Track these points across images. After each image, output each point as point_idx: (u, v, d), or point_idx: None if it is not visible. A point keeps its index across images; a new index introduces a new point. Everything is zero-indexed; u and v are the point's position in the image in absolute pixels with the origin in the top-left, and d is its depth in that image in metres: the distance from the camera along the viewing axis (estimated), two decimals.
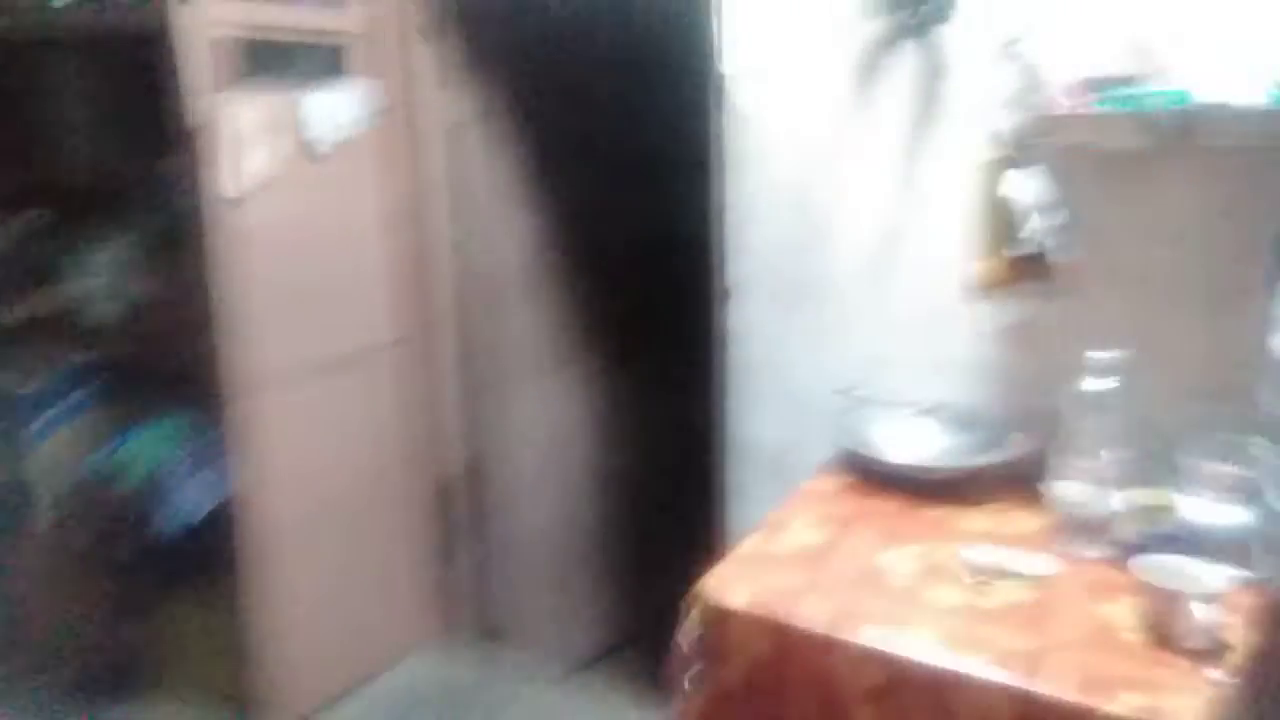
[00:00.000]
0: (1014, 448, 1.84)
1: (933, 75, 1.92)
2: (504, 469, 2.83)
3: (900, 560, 1.64)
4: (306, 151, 2.45)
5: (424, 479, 2.87)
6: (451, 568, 2.92)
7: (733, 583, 1.59)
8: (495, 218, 2.67)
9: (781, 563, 1.65)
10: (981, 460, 1.84)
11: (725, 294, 2.20)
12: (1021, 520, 1.74)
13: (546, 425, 2.77)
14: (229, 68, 2.25)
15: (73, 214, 2.40)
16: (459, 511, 2.89)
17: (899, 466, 1.86)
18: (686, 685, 1.59)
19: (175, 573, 2.57)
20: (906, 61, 1.94)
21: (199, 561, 2.51)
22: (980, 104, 1.83)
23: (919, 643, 1.40)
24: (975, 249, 1.84)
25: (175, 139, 2.20)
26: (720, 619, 1.55)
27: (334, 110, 2.49)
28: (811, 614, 1.48)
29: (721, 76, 2.12)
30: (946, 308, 1.98)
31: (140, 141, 2.26)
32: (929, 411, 1.98)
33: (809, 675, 1.47)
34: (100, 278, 2.36)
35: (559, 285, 2.68)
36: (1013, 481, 1.79)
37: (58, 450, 2.52)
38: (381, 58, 2.60)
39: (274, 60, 2.37)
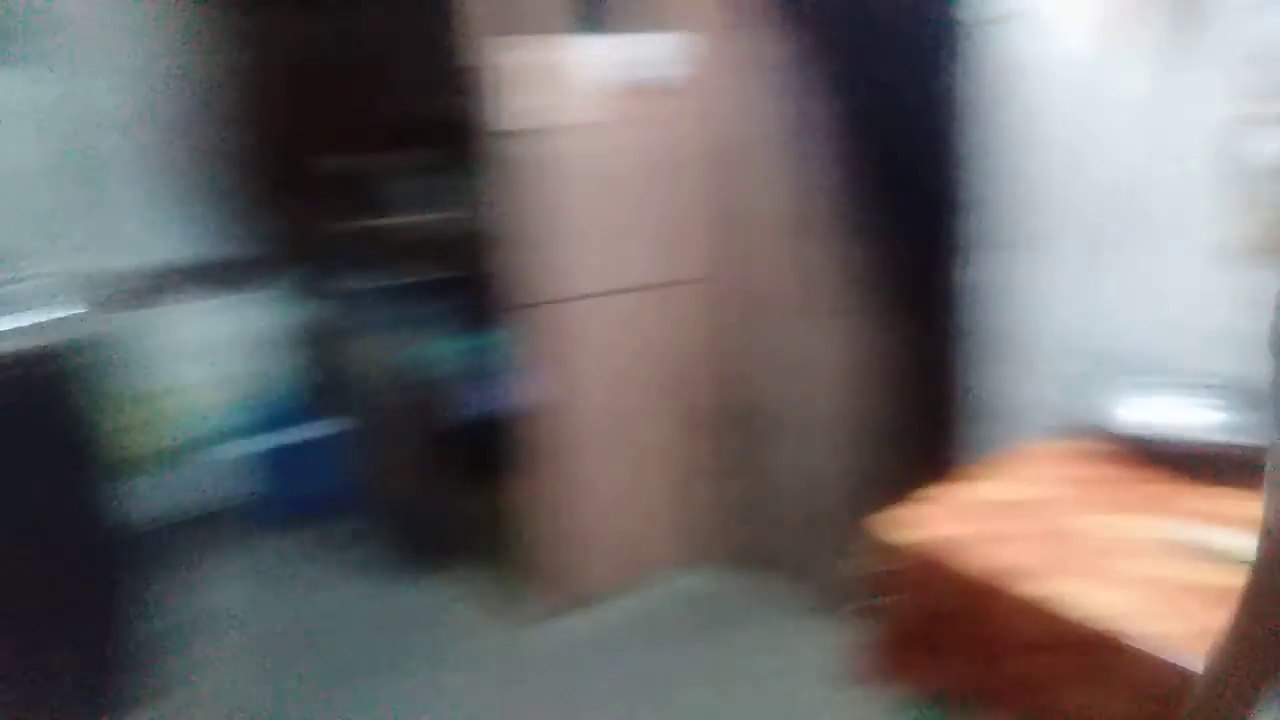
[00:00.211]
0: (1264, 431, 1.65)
1: (1210, 22, 1.74)
2: (776, 404, 2.94)
3: (1102, 526, 1.56)
4: (613, 93, 2.69)
5: (703, 407, 3.06)
6: (723, 493, 3.08)
7: (912, 522, 1.60)
8: (784, 164, 2.75)
9: (970, 510, 1.64)
10: (1226, 439, 1.68)
11: (974, 248, 2.14)
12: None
13: (818, 366, 2.84)
14: (548, 13, 2.52)
15: (399, 146, 2.82)
16: (733, 440, 3.04)
17: (1135, 436, 1.75)
18: (860, 616, 1.63)
19: (481, 461, 2.98)
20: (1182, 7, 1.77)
21: (503, 453, 2.88)
22: (1253, 54, 1.63)
23: (1088, 605, 1.35)
24: (1256, 210, 1.66)
25: (474, 77, 2.51)
26: (889, 556, 1.58)
27: (642, 55, 2.70)
28: (982, 561, 1.47)
29: (978, 23, 2.05)
30: (1209, 273, 1.80)
31: (449, 79, 2.61)
32: (1179, 384, 1.82)
33: (970, 619, 1.46)
34: (427, 203, 2.76)
35: (838, 233, 2.72)
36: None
37: (390, 344, 3.00)
38: (687, 6, 2.76)
39: (591, 7, 2.63)
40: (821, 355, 2.83)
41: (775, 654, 2.68)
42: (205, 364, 3.38)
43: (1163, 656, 1.25)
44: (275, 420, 3.39)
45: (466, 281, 2.87)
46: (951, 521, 1.60)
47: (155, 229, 3.20)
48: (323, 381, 3.43)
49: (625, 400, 2.92)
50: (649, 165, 2.83)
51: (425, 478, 3.09)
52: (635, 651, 2.73)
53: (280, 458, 3.37)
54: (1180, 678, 1.23)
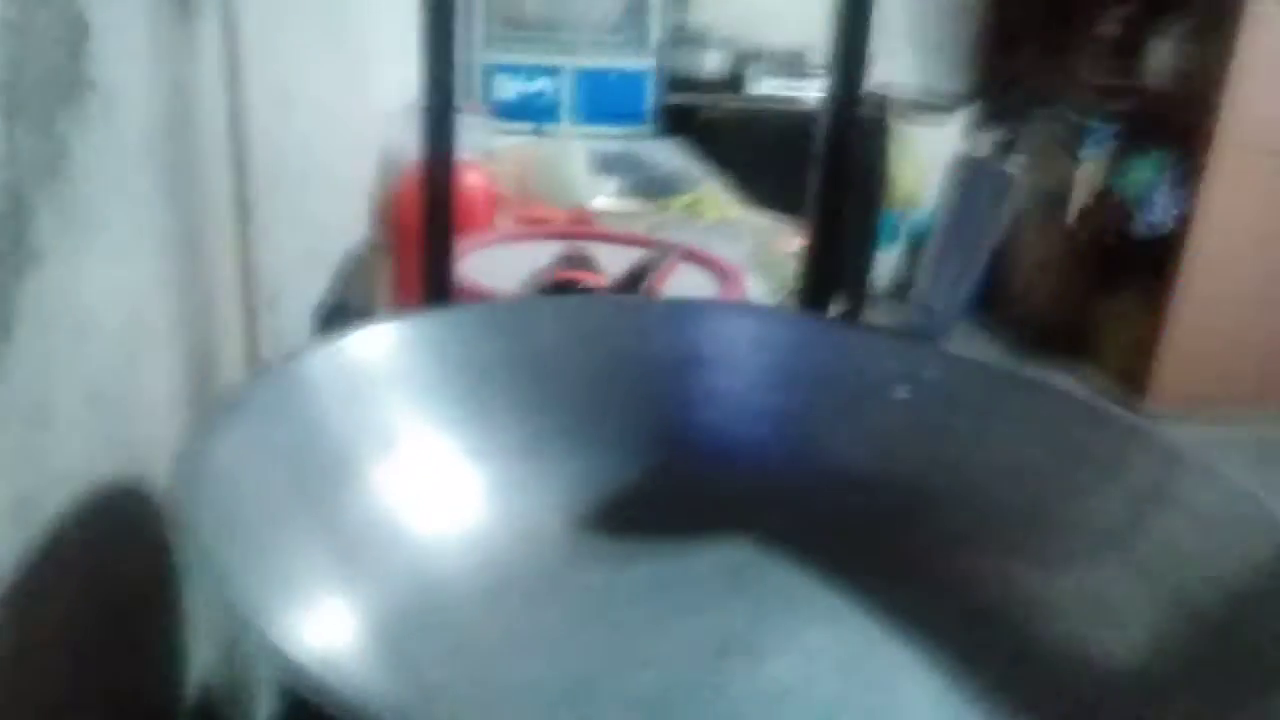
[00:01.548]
0: None
1: None
2: None
3: None
4: None
5: None
6: None
7: None
8: None
9: None
10: None
11: None
12: None
13: None
14: None
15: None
16: None
17: None
18: None
19: (1133, 267, 3.26)
20: None
21: (1153, 261, 3.12)
22: None
23: None
24: None
25: None
26: None
27: None
28: None
29: None
30: None
31: None
32: None
33: None
34: (1157, 53, 3.23)
35: None
36: None
37: (1092, 169, 3.46)
38: None
39: None
40: None
41: None
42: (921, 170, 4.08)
43: None
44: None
45: (1147, 117, 3.17)
46: None
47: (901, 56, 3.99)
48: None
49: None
50: None
51: (1061, 281, 3.51)
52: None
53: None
54: None
